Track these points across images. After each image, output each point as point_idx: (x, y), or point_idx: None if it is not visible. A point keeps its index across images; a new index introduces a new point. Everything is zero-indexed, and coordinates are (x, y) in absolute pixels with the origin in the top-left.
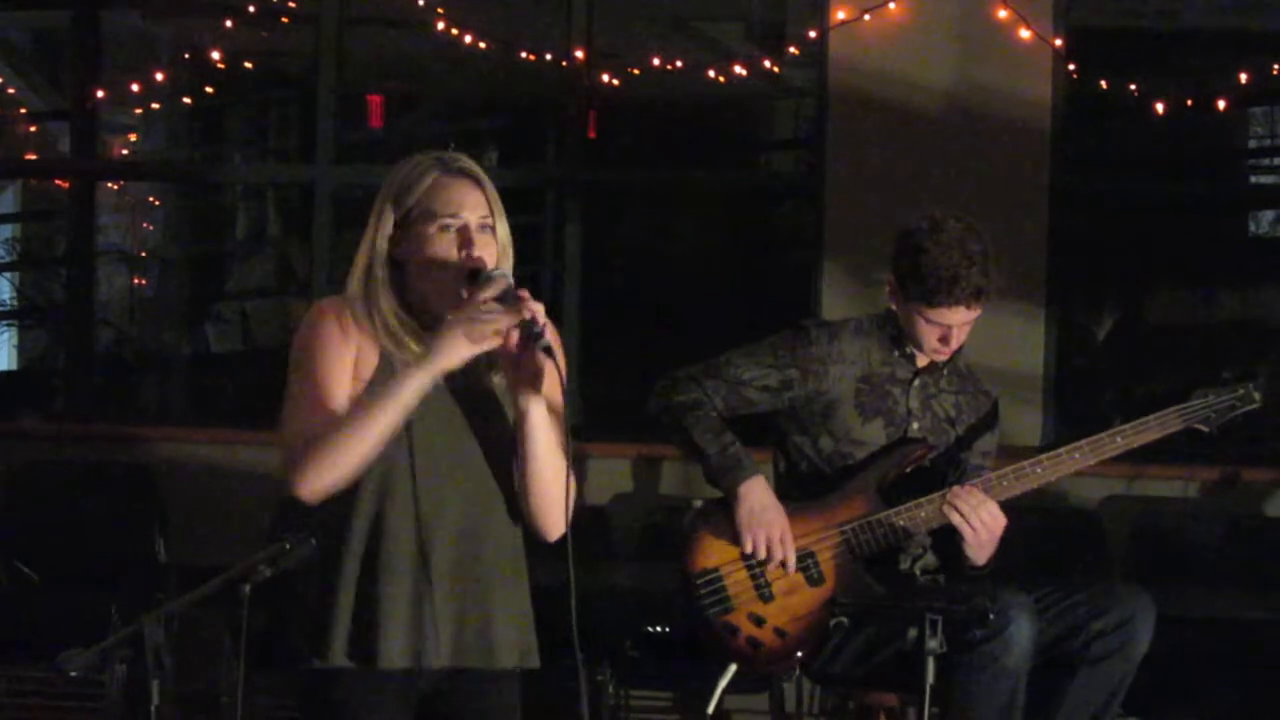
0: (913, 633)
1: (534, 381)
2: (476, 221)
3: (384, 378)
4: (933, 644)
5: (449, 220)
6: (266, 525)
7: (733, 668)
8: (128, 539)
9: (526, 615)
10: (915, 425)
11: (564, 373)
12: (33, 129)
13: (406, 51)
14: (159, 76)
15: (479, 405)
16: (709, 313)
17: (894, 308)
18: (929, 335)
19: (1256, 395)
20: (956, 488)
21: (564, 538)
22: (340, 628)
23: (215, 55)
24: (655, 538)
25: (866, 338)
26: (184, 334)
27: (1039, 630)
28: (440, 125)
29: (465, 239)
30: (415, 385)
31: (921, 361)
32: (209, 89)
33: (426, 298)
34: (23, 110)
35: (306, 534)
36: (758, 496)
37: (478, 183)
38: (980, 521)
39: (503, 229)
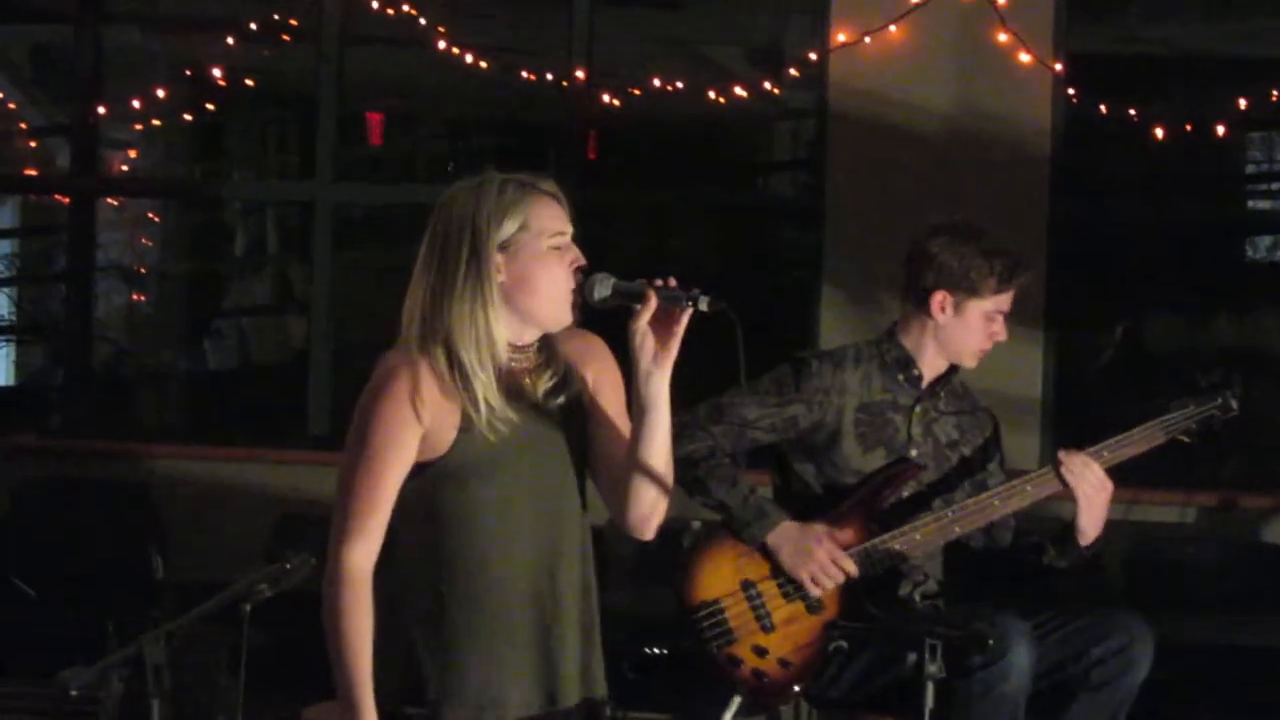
0: (912, 658)
1: (669, 349)
2: (572, 237)
3: (464, 451)
4: (932, 669)
5: (558, 239)
6: (265, 542)
7: (738, 699)
8: (125, 556)
9: (599, 647)
10: (914, 452)
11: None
12: (33, 144)
13: (407, 70)
14: (160, 93)
15: (551, 434)
16: (708, 334)
17: (939, 324)
18: (983, 331)
19: (1234, 403)
20: (1064, 453)
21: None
22: (463, 694)
23: (216, 72)
24: (651, 560)
25: (866, 365)
26: (182, 351)
27: (1038, 656)
28: (439, 144)
29: (573, 255)
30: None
31: (925, 383)
32: (209, 106)
33: (530, 320)
34: (23, 125)
35: (307, 554)
36: (790, 538)
37: (563, 205)
38: (1091, 486)
39: None
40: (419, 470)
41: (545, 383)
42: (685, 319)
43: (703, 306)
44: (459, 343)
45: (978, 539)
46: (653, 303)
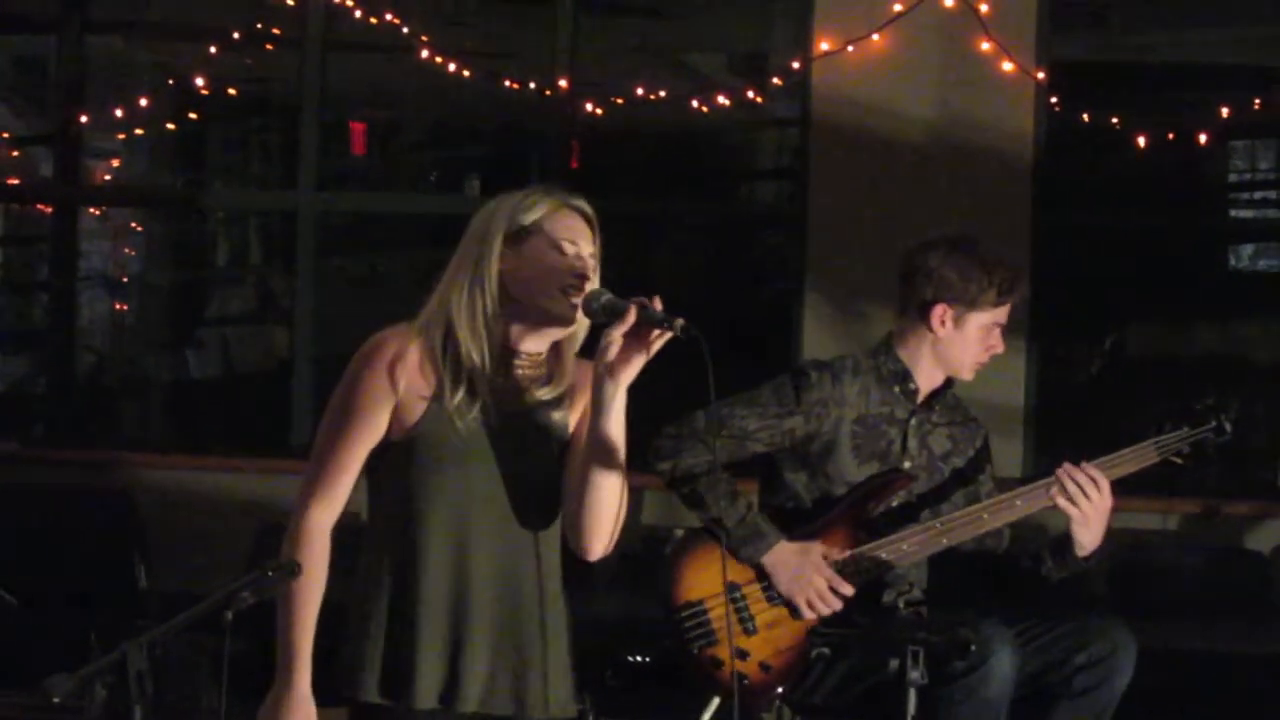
0: (894, 664)
1: (631, 363)
2: (588, 256)
3: (430, 428)
4: (914, 675)
5: (566, 244)
6: (247, 551)
7: (716, 701)
8: (108, 564)
9: (566, 664)
10: (908, 464)
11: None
12: (15, 153)
13: (390, 79)
14: (142, 102)
15: (526, 443)
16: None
17: (938, 337)
18: (982, 344)
19: (1228, 426)
20: (1066, 470)
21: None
22: (375, 665)
23: (199, 81)
24: (636, 566)
25: (864, 377)
26: (165, 360)
27: (1021, 663)
28: (423, 153)
29: (580, 265)
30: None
31: (921, 397)
32: (192, 115)
33: (521, 314)
34: (5, 135)
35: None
36: (788, 562)
37: (593, 225)
38: (1089, 505)
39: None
40: (390, 447)
41: (542, 396)
42: (660, 342)
43: (678, 332)
44: (456, 321)
45: (968, 544)
46: (631, 317)
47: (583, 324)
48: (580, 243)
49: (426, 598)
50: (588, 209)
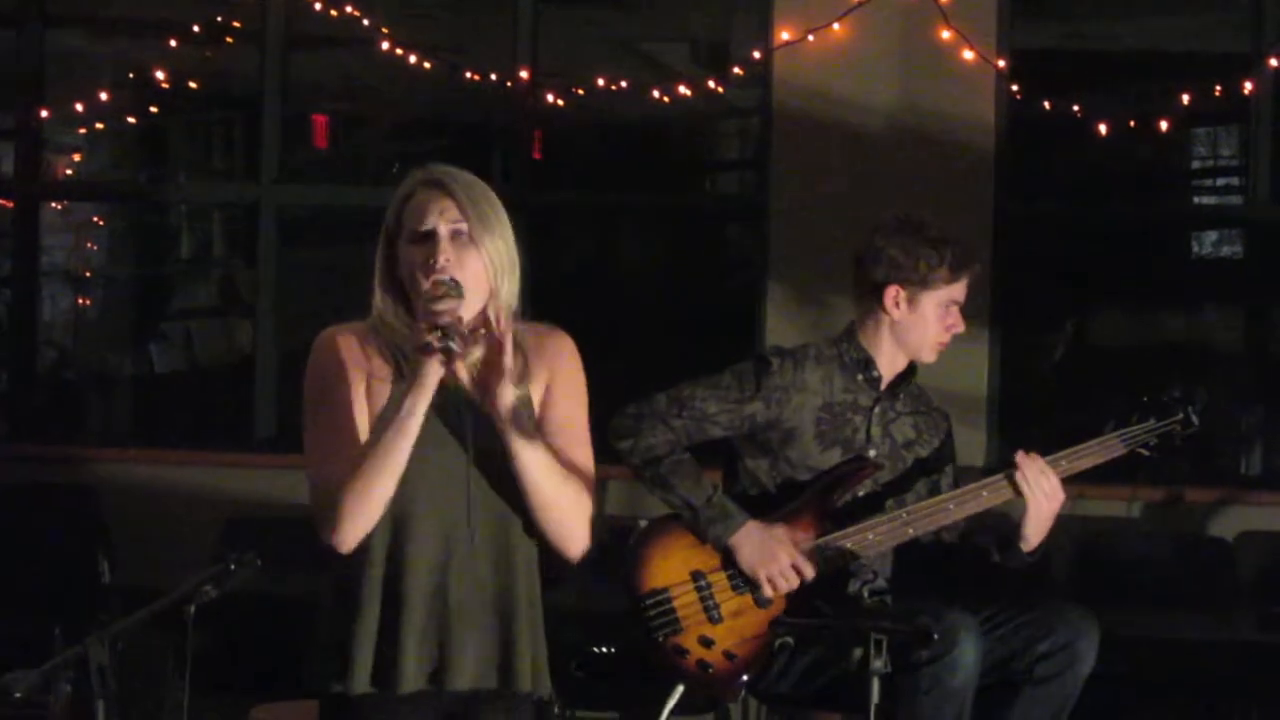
0: (857, 653)
1: (491, 397)
2: (446, 229)
3: (391, 410)
4: (878, 664)
5: (418, 230)
6: (211, 545)
7: (680, 688)
8: (71, 560)
9: (541, 641)
10: (872, 453)
11: (580, 388)
12: None
13: (351, 71)
14: (103, 96)
15: (493, 426)
16: (655, 334)
17: (894, 319)
18: (939, 323)
19: (1195, 419)
20: (1021, 457)
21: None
22: (363, 655)
23: (160, 75)
24: (601, 557)
25: (827, 365)
26: (128, 354)
27: (984, 651)
28: (385, 145)
29: (432, 247)
30: (410, 410)
31: (884, 385)
32: (153, 109)
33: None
34: None
35: (252, 554)
36: (752, 540)
37: (445, 189)
38: (1044, 494)
39: (498, 245)
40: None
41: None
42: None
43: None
44: (372, 322)
45: (925, 535)
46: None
47: (496, 300)
48: (429, 219)
49: (408, 585)
50: (440, 175)
